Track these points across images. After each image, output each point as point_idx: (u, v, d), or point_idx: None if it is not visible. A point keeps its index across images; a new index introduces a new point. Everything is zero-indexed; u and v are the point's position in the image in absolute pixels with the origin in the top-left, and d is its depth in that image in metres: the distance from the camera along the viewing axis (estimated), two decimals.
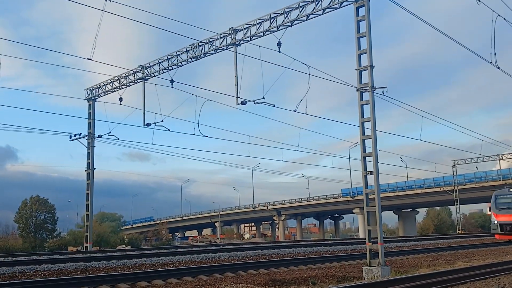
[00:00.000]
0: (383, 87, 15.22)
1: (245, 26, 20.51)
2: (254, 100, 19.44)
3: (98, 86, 29.05)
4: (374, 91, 15.12)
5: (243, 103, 19.73)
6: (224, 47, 21.46)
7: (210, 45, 22.09)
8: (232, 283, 11.68)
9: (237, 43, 20.64)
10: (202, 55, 22.64)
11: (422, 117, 26.02)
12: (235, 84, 19.83)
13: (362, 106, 15.40)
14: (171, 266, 17.22)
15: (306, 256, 21.34)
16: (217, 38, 21.66)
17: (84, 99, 29.84)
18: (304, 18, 18.89)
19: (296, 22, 19.20)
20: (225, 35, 21.28)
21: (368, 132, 15.22)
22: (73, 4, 14.65)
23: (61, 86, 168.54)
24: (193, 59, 23.13)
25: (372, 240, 15.00)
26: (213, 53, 22.32)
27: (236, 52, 20.45)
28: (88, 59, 19.76)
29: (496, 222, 32.34)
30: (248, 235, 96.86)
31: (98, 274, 14.14)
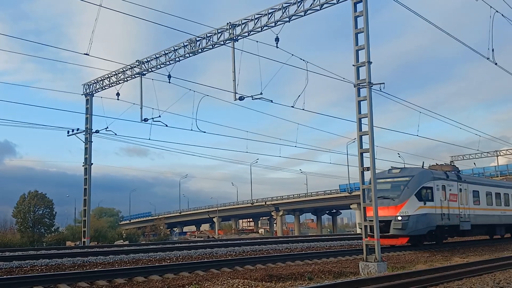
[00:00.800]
0: (380, 83, 15.22)
1: (243, 21, 20.46)
2: (252, 96, 19.40)
3: (95, 81, 28.98)
4: (372, 87, 15.12)
5: (241, 98, 19.70)
6: (222, 42, 21.41)
7: (207, 40, 22.04)
8: (229, 278, 11.70)
9: (235, 38, 20.59)
10: (199, 50, 22.59)
11: (420, 113, 25.99)
12: (232, 80, 19.79)
13: (359, 102, 15.39)
14: (168, 261, 17.24)
15: (303, 252, 21.39)
16: (215, 33, 21.61)
17: (82, 94, 29.78)
18: (302, 13, 18.85)
19: (294, 17, 19.15)
20: (222, 30, 21.22)
21: (365, 128, 15.23)
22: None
23: (59, 81, 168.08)
24: (190, 54, 23.07)
25: (368, 235, 15.03)
26: (210, 48, 22.28)
27: (234, 48, 20.40)
28: (85, 54, 19.68)
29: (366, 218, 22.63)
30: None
31: (95, 269, 14.17)
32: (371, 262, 14.33)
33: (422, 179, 22.12)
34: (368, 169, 15.08)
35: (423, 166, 25.82)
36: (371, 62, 15.19)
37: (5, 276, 12.79)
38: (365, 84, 15.12)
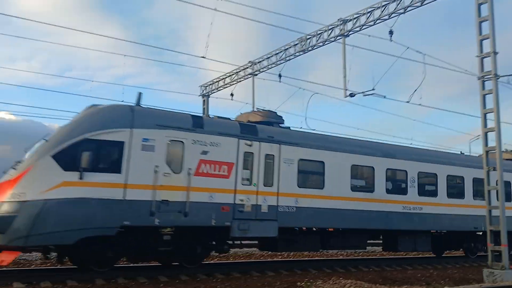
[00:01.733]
0: (508, 75, 13.97)
1: (355, 16, 19.96)
2: (363, 92, 18.89)
3: (211, 82, 30.34)
4: (498, 80, 13.89)
5: (352, 95, 19.26)
6: (333, 39, 21.08)
7: (318, 38, 21.87)
8: (341, 278, 11.53)
9: (346, 34, 20.16)
10: (310, 48, 22.49)
11: None
12: (343, 76, 19.41)
13: (484, 96, 14.23)
14: (280, 257, 17.48)
15: (421, 255, 20.39)
16: (325, 30, 21.34)
17: (199, 95, 31.39)
18: (419, 3, 17.85)
19: (409, 8, 18.23)
20: (333, 26, 20.87)
21: (491, 124, 14.06)
22: (189, 3, 15.47)
23: (178, 82, 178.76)
24: (300, 53, 23.06)
25: (495, 241, 13.82)
26: (321, 46, 22.06)
27: (344, 44, 20.00)
28: (202, 57, 20.68)
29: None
30: None
31: (211, 262, 14.83)
32: (497, 269, 13.16)
33: (91, 124, 11.07)
34: (494, 169, 13.89)
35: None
36: (497, 53, 13.95)
37: None
38: (491, 76, 13.92)
